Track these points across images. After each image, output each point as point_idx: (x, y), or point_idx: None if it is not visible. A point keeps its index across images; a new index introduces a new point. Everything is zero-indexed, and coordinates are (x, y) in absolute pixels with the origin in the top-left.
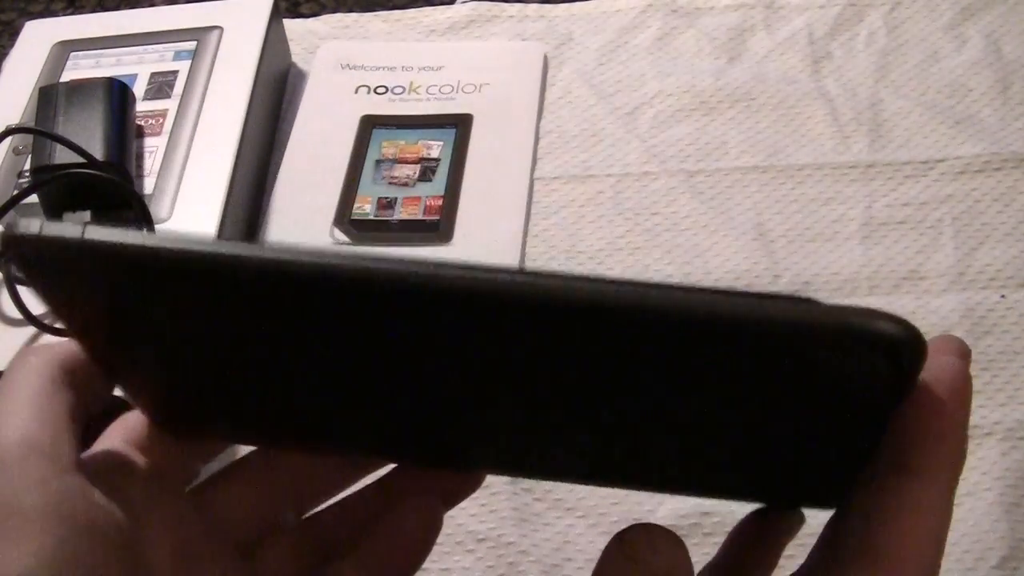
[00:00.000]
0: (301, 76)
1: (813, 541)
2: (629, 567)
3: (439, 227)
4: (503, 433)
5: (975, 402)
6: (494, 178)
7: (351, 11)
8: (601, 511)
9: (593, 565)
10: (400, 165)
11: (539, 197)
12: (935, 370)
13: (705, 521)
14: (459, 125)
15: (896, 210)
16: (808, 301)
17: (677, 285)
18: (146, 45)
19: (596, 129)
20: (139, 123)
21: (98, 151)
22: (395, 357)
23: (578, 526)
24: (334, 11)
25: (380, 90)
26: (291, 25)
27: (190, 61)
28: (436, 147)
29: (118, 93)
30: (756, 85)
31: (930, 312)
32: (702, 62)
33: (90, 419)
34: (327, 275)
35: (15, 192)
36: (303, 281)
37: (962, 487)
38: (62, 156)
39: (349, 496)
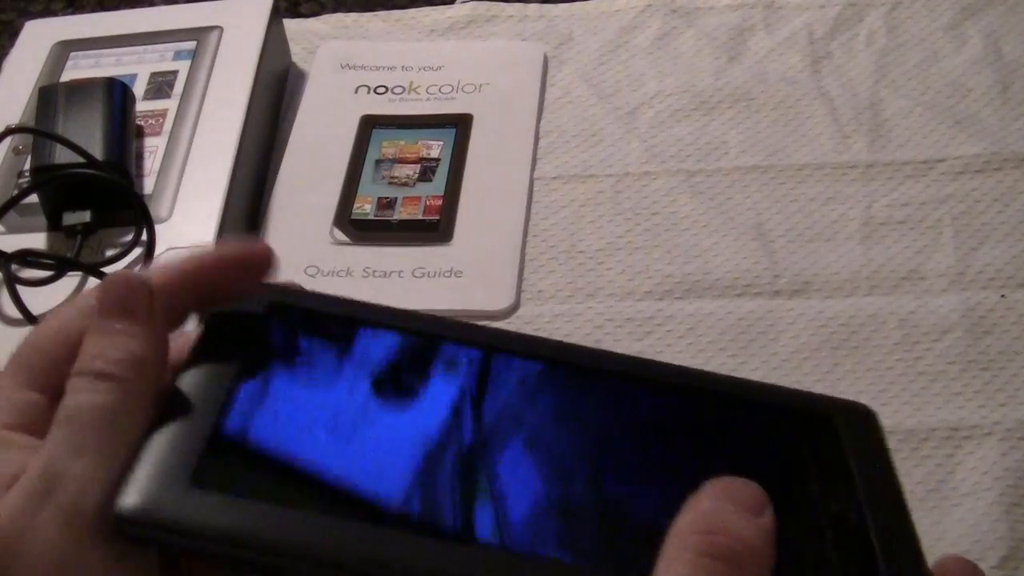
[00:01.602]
0: (301, 76)
1: None
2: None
3: (439, 227)
4: None
5: (975, 402)
6: (494, 178)
7: (351, 11)
8: None
9: None
10: (400, 165)
11: (539, 197)
12: None
13: None
14: (459, 125)
15: (896, 210)
16: None
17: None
18: (146, 45)
19: (596, 129)
20: (139, 123)
21: (98, 151)
22: None
23: None
24: (334, 11)
25: (380, 90)
26: (291, 25)
27: (190, 61)
28: (436, 147)
29: (118, 93)
30: (756, 85)
31: (930, 312)
32: (702, 62)
33: None
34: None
35: (15, 192)
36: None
37: (962, 487)
38: (62, 156)
39: None
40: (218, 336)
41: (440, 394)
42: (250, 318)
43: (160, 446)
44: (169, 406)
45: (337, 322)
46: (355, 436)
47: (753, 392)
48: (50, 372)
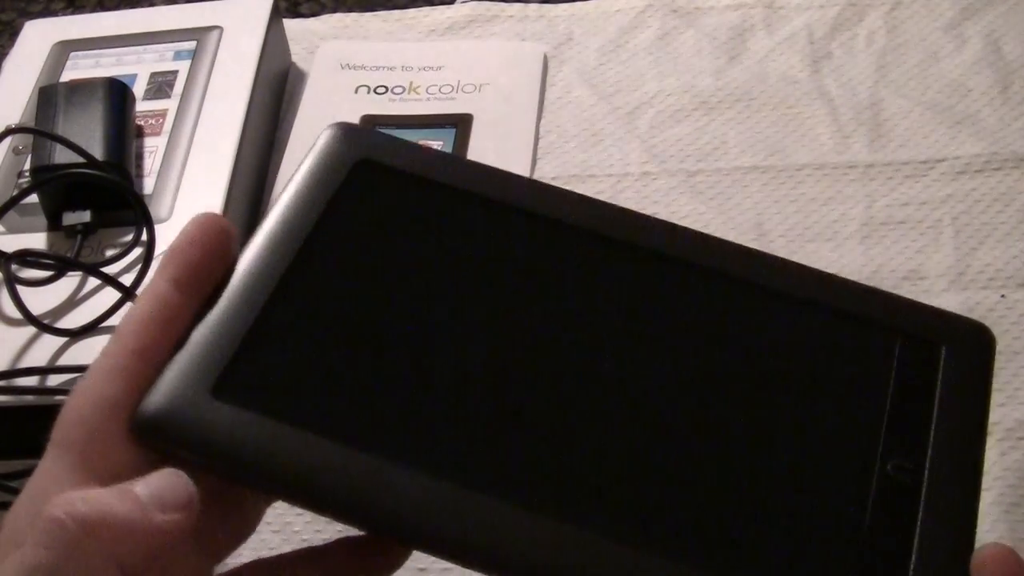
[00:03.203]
0: (301, 76)
1: None
2: None
3: None
4: None
5: None
6: None
7: (351, 11)
8: None
9: None
10: None
11: None
12: None
13: None
14: (459, 125)
15: (896, 210)
16: None
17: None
18: (146, 45)
19: (596, 129)
20: (139, 123)
21: (98, 151)
22: None
23: None
24: (334, 11)
25: (380, 90)
26: (291, 25)
27: (190, 61)
28: (436, 147)
29: (118, 93)
30: (756, 85)
31: None
32: (702, 62)
33: None
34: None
35: (15, 192)
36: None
37: None
38: (62, 156)
39: None
40: (291, 203)
41: (545, 307)
42: (332, 181)
43: (195, 344)
44: (217, 292)
45: (440, 193)
46: (423, 355)
47: (854, 297)
48: (97, 449)
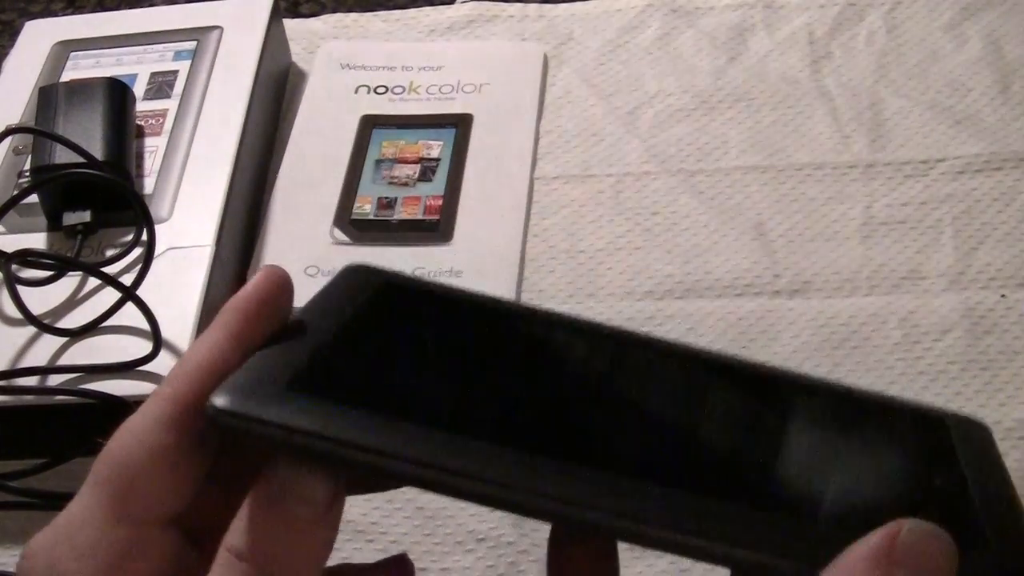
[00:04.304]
0: (301, 76)
1: None
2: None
3: (439, 227)
4: None
5: (975, 402)
6: (494, 178)
7: (351, 11)
8: None
9: None
10: (400, 165)
11: (539, 197)
12: None
13: None
14: (459, 125)
15: (896, 210)
16: None
17: None
18: (146, 45)
19: (596, 129)
20: (139, 123)
21: (98, 151)
22: None
23: None
24: (334, 11)
25: (380, 90)
26: (291, 25)
27: (190, 61)
28: (436, 147)
29: (118, 93)
30: (756, 85)
31: (930, 312)
32: (702, 62)
33: None
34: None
35: (15, 192)
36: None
37: None
38: (62, 156)
39: None
40: (346, 285)
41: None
42: (348, 293)
43: (264, 355)
44: (277, 334)
45: (465, 305)
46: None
47: (862, 396)
48: (139, 491)
